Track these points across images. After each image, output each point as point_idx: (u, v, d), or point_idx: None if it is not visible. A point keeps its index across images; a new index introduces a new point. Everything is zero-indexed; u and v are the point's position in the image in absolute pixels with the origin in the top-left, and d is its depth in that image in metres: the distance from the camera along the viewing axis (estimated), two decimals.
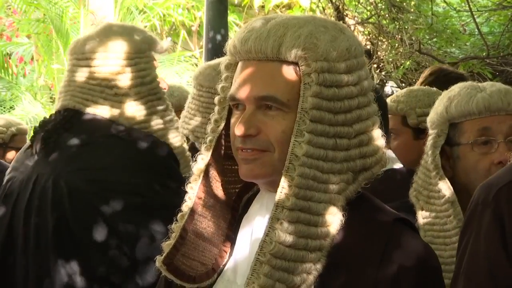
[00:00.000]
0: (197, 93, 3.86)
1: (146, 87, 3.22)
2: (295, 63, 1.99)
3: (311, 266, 1.94)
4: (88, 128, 3.17)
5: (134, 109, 3.19)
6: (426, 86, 3.69)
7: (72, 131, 3.17)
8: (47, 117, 3.35)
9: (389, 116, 3.60)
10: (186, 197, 2.12)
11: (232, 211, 2.20)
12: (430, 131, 2.93)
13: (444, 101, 2.89)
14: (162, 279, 2.25)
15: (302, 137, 1.95)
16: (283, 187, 1.94)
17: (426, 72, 4.89)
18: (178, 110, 4.09)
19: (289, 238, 1.92)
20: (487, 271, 2.04)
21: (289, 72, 2.00)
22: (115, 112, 3.18)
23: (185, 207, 2.11)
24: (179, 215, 2.11)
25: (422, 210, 2.90)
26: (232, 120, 2.06)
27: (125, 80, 3.19)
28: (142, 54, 3.23)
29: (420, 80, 4.84)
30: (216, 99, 2.15)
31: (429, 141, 2.90)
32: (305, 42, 1.97)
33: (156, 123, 3.23)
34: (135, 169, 3.06)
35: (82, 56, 3.25)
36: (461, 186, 2.83)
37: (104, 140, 3.14)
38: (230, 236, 2.15)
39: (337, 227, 1.98)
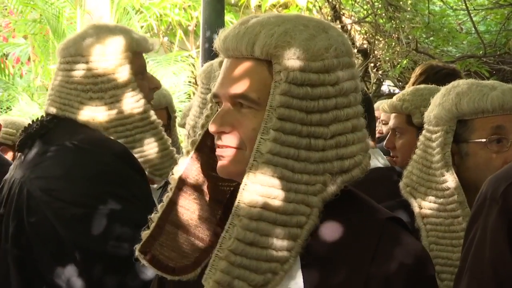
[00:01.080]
0: (199, 90, 3.88)
1: (121, 89, 3.15)
2: (269, 62, 1.98)
3: (277, 266, 1.93)
4: (58, 135, 3.13)
5: (108, 113, 3.14)
6: (433, 85, 3.68)
7: (44, 137, 3.16)
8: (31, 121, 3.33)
9: (394, 114, 3.61)
10: (168, 188, 2.13)
11: (224, 208, 2.17)
12: (434, 128, 2.90)
13: (451, 97, 2.86)
14: (155, 278, 2.26)
15: (268, 134, 1.94)
16: (246, 184, 1.93)
17: (417, 71, 4.89)
18: (158, 109, 4.08)
19: (249, 236, 1.91)
20: (492, 268, 2.04)
21: (262, 70, 1.99)
22: (90, 116, 3.13)
23: (165, 197, 2.11)
24: (159, 205, 2.11)
25: (421, 208, 2.88)
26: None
27: (99, 83, 3.14)
28: (117, 56, 3.17)
29: (412, 80, 4.84)
30: (209, 95, 2.15)
31: (437, 138, 2.87)
32: (277, 40, 1.96)
33: (133, 126, 3.18)
34: (85, 179, 2.99)
35: (62, 59, 3.23)
36: (467, 183, 2.82)
37: (63, 148, 3.08)
38: (218, 232, 2.09)
39: (310, 228, 1.96)
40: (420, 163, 2.93)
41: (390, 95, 10.04)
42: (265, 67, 1.99)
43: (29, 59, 14.92)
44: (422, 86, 3.73)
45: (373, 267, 1.94)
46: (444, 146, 2.84)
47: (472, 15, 8.57)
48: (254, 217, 1.92)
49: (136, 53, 3.23)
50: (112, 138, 3.13)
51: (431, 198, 2.86)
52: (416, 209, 2.89)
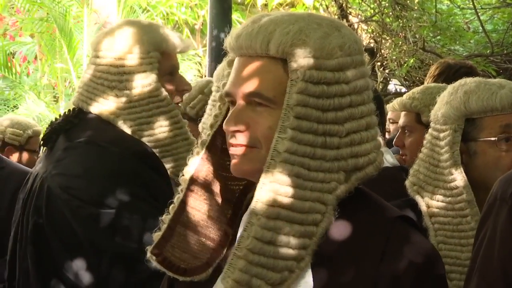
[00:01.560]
0: (214, 89, 3.88)
1: (145, 88, 3.13)
2: (284, 60, 1.98)
3: (293, 263, 1.93)
4: (81, 131, 3.14)
5: (131, 111, 3.13)
6: (443, 84, 3.67)
7: (68, 133, 3.17)
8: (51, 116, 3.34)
9: (404, 113, 3.61)
10: (179, 189, 2.12)
11: (234, 208, 2.18)
12: (442, 127, 2.88)
13: (459, 96, 2.85)
14: (165, 278, 2.25)
15: (286, 133, 1.94)
16: (263, 183, 1.93)
17: (434, 71, 4.86)
18: None
19: (267, 234, 1.91)
20: (501, 268, 2.04)
21: (276, 68, 1.99)
22: (113, 113, 3.13)
23: (176, 199, 2.11)
24: (170, 207, 2.11)
25: (429, 207, 2.87)
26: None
27: (123, 81, 3.14)
28: (143, 54, 3.14)
29: (429, 80, 4.81)
30: (218, 94, 2.16)
31: (446, 137, 2.85)
32: (293, 39, 1.96)
33: (156, 126, 3.16)
34: (102, 178, 2.99)
35: (93, 53, 3.25)
36: (476, 181, 2.80)
37: (84, 145, 3.08)
38: (229, 232, 2.13)
39: (326, 226, 1.96)
40: (427, 161, 2.92)
41: (397, 94, 10.03)
42: (280, 66, 1.99)
43: (35, 57, 14.95)
44: (432, 84, 3.73)
45: (382, 266, 1.93)
46: (453, 145, 2.82)
47: (479, 14, 8.57)
48: (272, 216, 1.92)
49: (166, 53, 3.20)
50: (134, 137, 3.11)
51: (439, 197, 2.84)
52: (423, 208, 2.87)
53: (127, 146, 3.06)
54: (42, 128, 12.21)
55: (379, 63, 10.53)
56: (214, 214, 2.15)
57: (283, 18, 2.02)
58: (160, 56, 3.18)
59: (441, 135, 2.88)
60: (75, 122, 3.20)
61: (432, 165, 2.90)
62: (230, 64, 2.12)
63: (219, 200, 2.17)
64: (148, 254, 2.06)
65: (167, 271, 2.08)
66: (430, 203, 2.87)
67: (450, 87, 2.95)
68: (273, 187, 1.93)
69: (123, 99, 3.13)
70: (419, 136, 3.51)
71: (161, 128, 3.16)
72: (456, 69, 4.71)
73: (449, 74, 4.61)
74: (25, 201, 3.21)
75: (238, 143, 2.01)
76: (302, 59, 1.95)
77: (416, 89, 3.64)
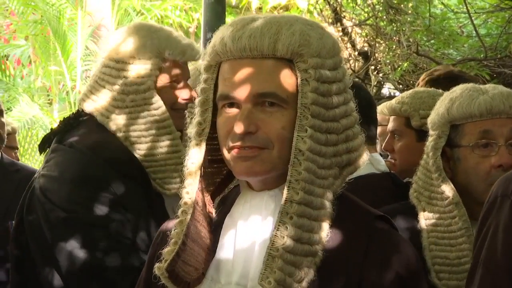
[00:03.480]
0: None
1: (141, 95, 3.09)
2: (288, 60, 2.02)
3: (312, 260, 1.97)
4: (74, 134, 3.14)
5: (126, 116, 3.10)
6: (432, 88, 3.67)
7: (61, 135, 3.18)
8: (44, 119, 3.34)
9: (393, 117, 3.60)
10: (183, 201, 2.11)
11: (208, 213, 2.20)
12: (431, 132, 2.93)
13: (445, 102, 2.89)
14: (141, 282, 2.26)
15: (305, 132, 1.98)
16: (291, 182, 1.96)
17: (423, 78, 4.86)
18: None
19: (298, 233, 1.94)
20: (506, 263, 2.05)
21: (285, 68, 2.02)
22: (109, 117, 3.11)
23: (183, 213, 2.10)
24: (177, 221, 2.10)
25: (425, 211, 2.89)
26: (221, 120, 2.06)
27: (122, 85, 3.11)
28: (144, 61, 3.11)
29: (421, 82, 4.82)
30: (198, 100, 2.14)
31: (430, 142, 2.91)
32: (300, 39, 2.00)
33: (148, 134, 3.11)
34: (71, 183, 2.98)
35: (101, 53, 3.26)
36: (461, 187, 2.84)
37: (66, 148, 3.09)
38: (211, 237, 2.16)
39: (329, 221, 2.01)
40: (424, 167, 2.96)
41: (391, 98, 10.01)
42: (287, 65, 2.02)
43: (30, 61, 14.94)
44: (421, 89, 3.74)
45: (365, 266, 1.99)
46: (435, 151, 2.88)
47: (473, 18, 8.55)
48: (300, 214, 1.96)
49: (169, 60, 3.16)
50: (120, 143, 3.08)
51: (434, 201, 2.89)
52: (420, 212, 2.91)
53: (101, 152, 3.03)
54: (36, 131, 12.19)
55: (373, 67, 10.53)
56: (204, 222, 2.17)
57: (280, 20, 2.05)
58: (162, 63, 3.14)
59: (428, 141, 2.93)
60: (73, 125, 3.19)
61: (426, 170, 2.94)
62: (209, 69, 2.12)
63: (203, 207, 2.19)
64: (159, 272, 2.05)
65: (174, 286, 2.08)
66: (425, 207, 2.91)
67: (444, 94, 2.98)
68: (302, 186, 1.96)
69: (119, 103, 3.11)
70: (408, 140, 3.52)
71: (151, 137, 3.12)
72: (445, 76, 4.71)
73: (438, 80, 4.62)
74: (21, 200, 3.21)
75: (248, 145, 2.02)
76: (310, 58, 2.00)
77: (405, 94, 3.64)
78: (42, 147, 3.23)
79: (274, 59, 2.02)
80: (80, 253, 2.88)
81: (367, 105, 3.53)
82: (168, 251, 2.06)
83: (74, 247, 2.89)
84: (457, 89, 2.93)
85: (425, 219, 2.88)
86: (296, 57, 2.01)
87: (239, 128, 1.99)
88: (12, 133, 5.75)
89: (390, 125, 3.65)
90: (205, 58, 2.11)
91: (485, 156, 2.82)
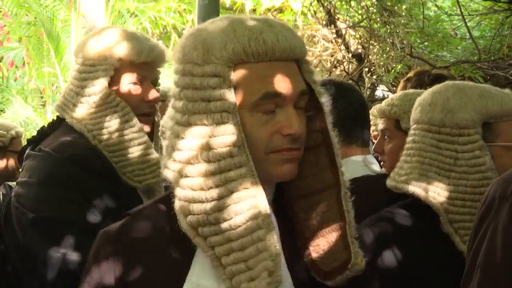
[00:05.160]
0: None
1: (100, 96, 3.09)
2: (296, 61, 2.05)
3: None
4: (49, 139, 3.17)
5: (91, 117, 3.10)
6: (421, 89, 3.65)
7: (36, 142, 3.22)
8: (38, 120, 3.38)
9: (383, 119, 3.59)
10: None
11: None
12: (464, 131, 2.83)
13: (477, 100, 2.84)
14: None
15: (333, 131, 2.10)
16: (342, 169, 2.11)
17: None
18: None
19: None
20: (504, 264, 2.03)
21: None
22: (76, 120, 3.12)
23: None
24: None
25: None
26: (257, 123, 1.98)
27: (84, 87, 3.13)
28: (101, 61, 3.12)
29: (402, 84, 4.85)
30: (220, 104, 1.97)
31: (475, 142, 2.81)
32: (302, 42, 2.05)
33: (117, 135, 3.11)
34: (38, 185, 3.00)
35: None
36: None
37: (35, 153, 3.11)
38: None
39: None
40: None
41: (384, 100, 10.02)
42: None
43: (24, 63, 14.92)
44: (411, 90, 3.71)
45: None
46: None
47: (466, 20, 8.54)
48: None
49: (125, 60, 3.14)
50: (86, 142, 3.08)
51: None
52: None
53: (64, 151, 3.03)
54: (29, 132, 12.16)
55: (366, 69, 10.54)
56: None
57: (278, 22, 2.07)
58: (118, 63, 3.13)
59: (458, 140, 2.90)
60: (47, 132, 3.24)
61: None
62: (225, 73, 1.98)
63: None
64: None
65: None
66: None
67: (459, 92, 2.93)
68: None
69: (85, 105, 3.12)
70: (398, 142, 3.49)
71: (117, 133, 3.11)
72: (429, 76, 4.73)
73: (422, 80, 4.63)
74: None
75: (297, 146, 2.03)
76: (308, 60, 2.10)
77: (394, 96, 3.63)
78: (20, 158, 3.24)
79: (291, 61, 2.03)
80: (52, 252, 2.87)
81: (360, 107, 3.52)
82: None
83: (46, 247, 2.89)
84: (489, 88, 2.92)
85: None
86: (302, 59, 2.06)
87: (293, 129, 1.98)
88: (17, 138, 5.67)
89: (380, 126, 3.64)
90: (218, 61, 1.97)
91: None
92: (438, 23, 9.41)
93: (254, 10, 12.74)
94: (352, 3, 9.89)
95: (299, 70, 2.05)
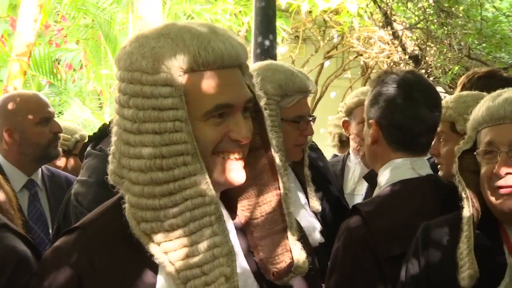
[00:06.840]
0: None
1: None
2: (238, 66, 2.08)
3: None
4: (106, 139, 3.22)
5: None
6: (476, 92, 3.61)
7: (95, 142, 3.32)
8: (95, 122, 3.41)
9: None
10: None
11: None
12: None
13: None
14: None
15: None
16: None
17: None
18: None
19: None
20: None
21: None
22: None
23: None
24: None
25: None
26: (210, 130, 2.01)
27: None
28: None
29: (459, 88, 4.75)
30: (173, 114, 1.99)
31: None
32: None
33: None
34: (97, 185, 3.08)
35: None
36: None
37: (94, 153, 3.22)
38: None
39: None
40: None
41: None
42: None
43: (81, 66, 15.08)
44: (465, 93, 3.68)
45: None
46: None
47: None
48: None
49: None
50: None
51: None
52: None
53: None
54: (88, 134, 12.32)
55: (423, 70, 10.44)
56: None
57: (222, 28, 2.10)
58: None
59: None
60: (108, 130, 3.22)
61: None
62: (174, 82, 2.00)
63: None
64: None
65: None
66: None
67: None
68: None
69: None
70: (454, 145, 3.44)
71: None
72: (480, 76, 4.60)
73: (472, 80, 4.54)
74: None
75: (243, 150, 2.10)
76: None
77: (449, 98, 3.60)
78: (81, 154, 3.27)
79: (237, 67, 2.06)
80: None
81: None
82: None
83: None
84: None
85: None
86: (243, 65, 2.09)
87: (241, 135, 2.02)
88: (81, 141, 5.71)
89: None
90: (168, 71, 1.98)
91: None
92: (496, 24, 9.29)
93: (310, 12, 12.70)
94: (409, 4, 9.83)
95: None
